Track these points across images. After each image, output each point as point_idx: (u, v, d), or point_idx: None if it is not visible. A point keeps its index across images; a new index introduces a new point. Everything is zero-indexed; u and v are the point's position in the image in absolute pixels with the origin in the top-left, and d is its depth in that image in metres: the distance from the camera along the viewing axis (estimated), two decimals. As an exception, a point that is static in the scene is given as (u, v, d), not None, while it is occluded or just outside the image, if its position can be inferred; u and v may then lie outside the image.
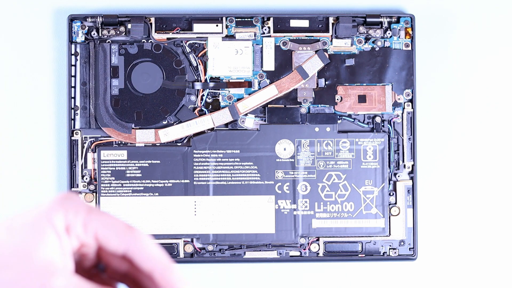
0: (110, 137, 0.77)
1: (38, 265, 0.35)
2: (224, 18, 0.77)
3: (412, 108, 0.77)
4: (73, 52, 0.77)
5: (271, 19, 0.77)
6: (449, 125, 0.79)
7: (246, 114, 0.77)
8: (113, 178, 0.76)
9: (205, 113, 0.77)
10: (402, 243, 0.77)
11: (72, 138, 0.76)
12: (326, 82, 0.78)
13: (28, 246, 0.35)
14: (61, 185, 0.78)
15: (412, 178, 0.77)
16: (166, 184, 0.76)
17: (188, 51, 0.77)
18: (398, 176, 0.78)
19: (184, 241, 0.77)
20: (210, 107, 0.77)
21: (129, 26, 0.76)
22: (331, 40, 0.78)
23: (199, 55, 0.77)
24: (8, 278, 0.35)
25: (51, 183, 0.78)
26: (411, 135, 0.77)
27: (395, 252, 0.77)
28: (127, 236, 0.39)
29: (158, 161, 0.76)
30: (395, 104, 0.78)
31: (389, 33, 0.78)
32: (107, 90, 0.76)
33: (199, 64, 0.77)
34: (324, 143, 0.77)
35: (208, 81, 0.77)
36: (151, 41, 0.76)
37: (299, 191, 0.77)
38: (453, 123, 0.79)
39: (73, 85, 0.76)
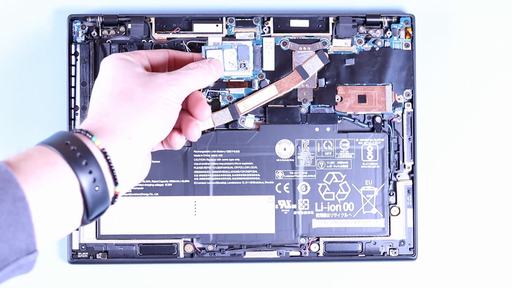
0: (110, 137, 0.77)
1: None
2: (224, 18, 0.77)
3: (412, 108, 0.77)
4: (73, 52, 0.77)
5: (271, 19, 0.77)
6: (449, 125, 0.79)
7: (246, 114, 0.77)
8: (113, 178, 0.76)
9: (205, 113, 0.77)
10: (402, 243, 0.77)
11: (72, 138, 0.76)
12: (326, 82, 0.78)
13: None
14: (61, 185, 0.78)
15: (412, 178, 0.77)
16: (166, 184, 0.76)
17: (188, 51, 0.77)
18: (398, 176, 0.78)
19: (184, 241, 0.77)
20: (210, 107, 0.77)
21: (129, 26, 0.76)
22: (331, 40, 0.78)
23: (199, 55, 0.77)
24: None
25: (51, 183, 0.78)
26: (411, 135, 0.77)
27: (395, 252, 0.77)
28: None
29: (158, 161, 0.76)
30: (395, 104, 0.78)
31: (389, 33, 0.78)
32: (107, 90, 0.76)
33: (199, 64, 0.77)
34: (324, 143, 0.77)
35: (208, 81, 0.77)
36: (151, 41, 0.76)
37: (299, 191, 0.77)
38: (453, 123, 0.79)
39: (73, 85, 0.76)
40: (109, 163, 0.53)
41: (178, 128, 0.65)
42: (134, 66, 0.59)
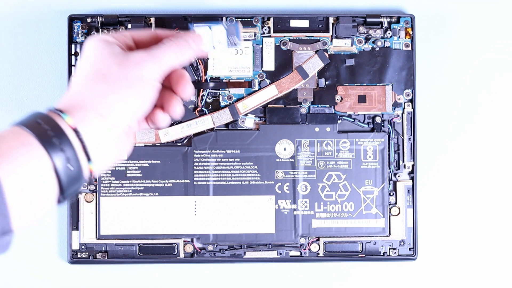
0: (110, 137, 0.77)
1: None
2: (224, 18, 0.77)
3: (412, 108, 0.77)
4: (73, 52, 0.77)
5: (271, 19, 0.77)
6: (449, 125, 0.79)
7: (246, 114, 0.77)
8: (113, 178, 0.76)
9: (205, 113, 0.77)
10: (402, 243, 0.77)
11: (72, 138, 0.76)
12: (326, 82, 0.78)
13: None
14: (61, 185, 0.78)
15: (412, 178, 0.77)
16: (166, 184, 0.76)
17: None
18: (398, 176, 0.78)
19: (184, 241, 0.77)
20: (210, 107, 0.77)
21: (129, 26, 0.76)
22: (331, 40, 0.78)
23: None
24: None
25: (51, 183, 0.78)
26: (411, 135, 0.77)
27: (395, 252, 0.77)
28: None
29: (158, 161, 0.76)
30: (395, 104, 0.78)
31: (389, 33, 0.78)
32: (107, 90, 0.76)
33: (199, 64, 0.77)
34: (324, 143, 0.77)
35: (208, 81, 0.77)
36: (151, 41, 0.76)
37: (299, 191, 0.77)
38: (453, 123, 0.79)
39: (73, 85, 0.76)
40: (81, 141, 0.53)
41: (161, 106, 0.65)
42: (113, 47, 0.59)
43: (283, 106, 0.77)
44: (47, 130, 0.52)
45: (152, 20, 0.77)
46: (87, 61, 0.58)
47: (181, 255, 0.77)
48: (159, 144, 0.77)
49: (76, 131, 0.53)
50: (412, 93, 0.77)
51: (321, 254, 0.77)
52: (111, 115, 0.55)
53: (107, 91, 0.56)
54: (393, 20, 0.78)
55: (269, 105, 0.77)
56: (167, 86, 0.63)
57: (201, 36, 0.63)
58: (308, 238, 0.77)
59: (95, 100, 0.55)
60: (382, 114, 0.78)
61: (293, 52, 0.78)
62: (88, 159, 0.54)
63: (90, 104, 0.55)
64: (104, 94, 0.56)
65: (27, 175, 0.50)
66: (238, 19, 0.77)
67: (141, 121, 0.62)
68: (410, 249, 0.77)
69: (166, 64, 0.60)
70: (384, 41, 0.78)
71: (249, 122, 0.77)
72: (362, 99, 0.77)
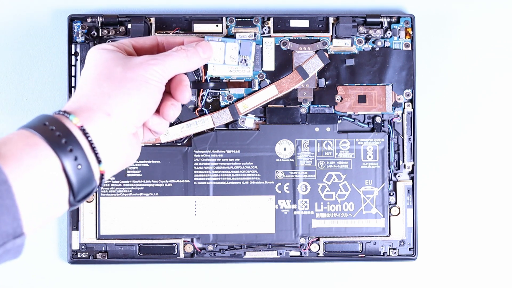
0: (110, 137, 0.77)
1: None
2: (224, 18, 0.77)
3: (412, 108, 0.77)
4: (73, 52, 0.77)
5: (271, 19, 0.77)
6: (449, 125, 0.79)
7: (246, 114, 0.77)
8: (113, 178, 0.76)
9: (205, 113, 0.77)
10: (402, 243, 0.77)
11: (72, 138, 0.76)
12: (326, 82, 0.78)
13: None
14: (61, 185, 0.78)
15: (412, 178, 0.77)
16: (166, 184, 0.76)
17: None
18: (398, 176, 0.78)
19: (184, 241, 0.77)
20: (210, 107, 0.77)
21: (129, 26, 0.76)
22: (331, 40, 0.78)
23: (199, 55, 0.77)
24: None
25: (51, 183, 0.78)
26: (411, 135, 0.77)
27: (395, 252, 0.77)
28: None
29: (158, 161, 0.76)
30: (395, 104, 0.78)
31: (389, 33, 0.78)
32: (107, 90, 0.76)
33: (199, 64, 0.77)
34: (324, 143, 0.77)
35: (208, 81, 0.77)
36: (151, 41, 0.76)
37: (299, 191, 0.77)
38: (453, 123, 0.79)
39: (73, 85, 0.76)
40: (88, 140, 0.53)
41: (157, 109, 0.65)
42: (115, 53, 0.59)
43: (283, 106, 0.77)
44: (54, 131, 0.52)
45: (152, 20, 0.77)
46: (90, 66, 0.58)
47: (181, 255, 0.77)
48: (159, 144, 0.77)
49: (83, 130, 0.53)
50: (412, 93, 0.77)
51: (321, 254, 0.77)
52: (117, 115, 0.55)
53: (112, 91, 0.56)
54: (393, 20, 0.78)
55: (269, 105, 0.77)
56: (167, 91, 0.63)
57: (212, 48, 0.64)
58: (308, 238, 0.77)
59: (100, 100, 0.55)
60: (382, 114, 0.78)
61: (293, 52, 0.78)
62: (97, 159, 0.54)
63: (96, 104, 0.55)
64: (109, 93, 0.56)
65: (37, 177, 0.50)
66: (238, 18, 0.77)
67: (144, 127, 0.62)
68: (410, 249, 0.77)
69: (172, 68, 0.60)
70: (384, 41, 0.78)
71: (249, 122, 0.77)
72: (362, 99, 0.77)
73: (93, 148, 0.53)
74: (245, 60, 0.68)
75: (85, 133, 0.53)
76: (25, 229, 0.49)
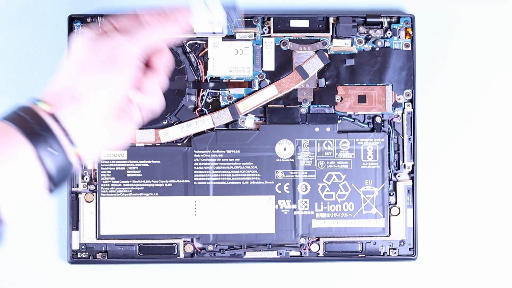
0: (110, 137, 0.77)
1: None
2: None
3: (412, 108, 0.77)
4: (73, 52, 0.77)
5: (271, 19, 0.77)
6: (449, 125, 0.79)
7: (246, 114, 0.77)
8: (113, 178, 0.76)
9: (205, 113, 0.77)
10: (402, 243, 0.77)
11: (72, 138, 0.76)
12: (326, 82, 0.78)
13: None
14: (61, 185, 0.78)
15: (412, 178, 0.77)
16: (166, 184, 0.76)
17: (188, 51, 0.77)
18: (398, 176, 0.78)
19: (184, 241, 0.77)
20: (210, 107, 0.77)
21: (129, 26, 0.76)
22: (331, 40, 0.78)
23: (199, 55, 0.77)
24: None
25: (51, 183, 0.78)
26: (411, 135, 0.77)
27: (395, 252, 0.77)
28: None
29: (158, 161, 0.76)
30: (395, 104, 0.78)
31: (389, 33, 0.78)
32: (107, 90, 0.76)
33: (199, 64, 0.77)
34: (324, 143, 0.77)
35: (208, 81, 0.77)
36: (151, 41, 0.76)
37: (299, 191, 0.77)
38: (453, 123, 0.79)
39: (73, 85, 0.76)
40: (60, 125, 0.53)
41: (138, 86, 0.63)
42: (92, 38, 0.58)
43: (283, 106, 0.77)
44: (27, 120, 0.53)
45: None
46: (69, 58, 0.58)
47: (181, 255, 0.77)
48: (159, 144, 0.77)
49: (53, 116, 0.53)
50: (412, 93, 0.77)
51: (321, 254, 0.77)
52: (86, 98, 0.55)
53: (77, 73, 0.56)
54: (393, 20, 0.78)
55: (269, 105, 0.77)
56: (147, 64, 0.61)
57: (191, 10, 0.60)
58: (308, 238, 0.77)
59: (69, 86, 0.55)
60: (382, 114, 0.78)
61: (293, 52, 0.77)
62: (71, 143, 0.54)
63: (65, 90, 0.55)
64: (77, 79, 0.56)
65: (13, 166, 0.51)
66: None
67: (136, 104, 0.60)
68: (410, 249, 0.77)
69: (146, 43, 0.58)
70: (384, 41, 0.78)
71: (249, 122, 0.77)
72: (362, 99, 0.77)
73: (65, 133, 0.54)
74: (232, 20, 0.62)
75: (56, 120, 0.53)
76: (4, 216, 0.50)
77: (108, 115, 0.56)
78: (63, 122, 0.54)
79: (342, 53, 0.78)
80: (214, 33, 0.60)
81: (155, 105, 0.61)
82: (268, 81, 0.77)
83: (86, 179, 0.77)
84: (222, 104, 0.77)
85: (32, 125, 0.53)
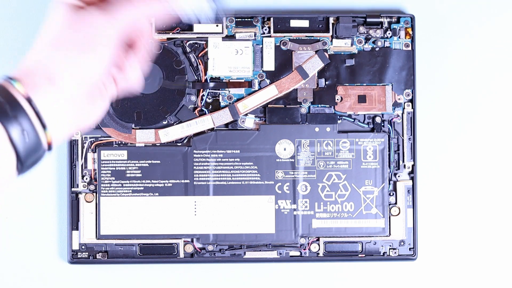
0: (110, 137, 0.77)
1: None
2: (224, 18, 0.77)
3: (412, 108, 0.77)
4: (73, 52, 0.77)
5: (271, 19, 0.77)
6: (449, 125, 0.79)
7: (246, 114, 0.77)
8: (113, 178, 0.76)
9: (205, 113, 0.77)
10: (402, 243, 0.77)
11: (72, 138, 0.76)
12: (326, 82, 0.78)
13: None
14: (61, 185, 0.78)
15: (412, 178, 0.77)
16: (166, 184, 0.76)
17: (188, 51, 0.77)
18: (398, 176, 0.78)
19: (184, 241, 0.77)
20: (210, 107, 0.77)
21: (129, 26, 0.76)
22: (331, 40, 0.78)
23: (199, 55, 0.77)
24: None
25: (51, 183, 0.78)
26: (411, 135, 0.77)
27: (395, 252, 0.77)
28: None
29: (158, 161, 0.76)
30: (395, 104, 0.78)
31: (389, 33, 0.78)
32: (107, 90, 0.76)
33: (199, 64, 0.77)
34: (324, 143, 0.77)
35: (208, 81, 0.77)
36: (151, 41, 0.76)
37: (299, 191, 0.77)
38: (453, 123, 0.79)
39: (73, 85, 0.76)
40: (34, 108, 0.53)
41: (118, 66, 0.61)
42: (71, 8, 0.57)
43: (283, 106, 0.77)
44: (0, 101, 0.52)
45: (152, 20, 0.77)
46: (45, 31, 0.57)
47: (181, 255, 0.77)
48: (159, 144, 0.77)
49: (28, 99, 0.53)
50: (412, 93, 0.77)
51: (321, 254, 0.77)
52: (60, 80, 0.54)
53: (58, 56, 0.55)
54: (393, 20, 0.78)
55: (269, 105, 0.77)
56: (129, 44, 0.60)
57: None
58: (308, 238, 0.77)
59: (44, 65, 0.54)
60: (382, 114, 0.78)
61: (293, 52, 0.78)
62: (43, 125, 0.53)
63: (40, 69, 0.54)
64: (53, 58, 0.55)
65: None
66: (238, 18, 0.77)
67: (109, 83, 0.59)
68: (410, 249, 0.77)
69: (126, 23, 0.57)
70: (384, 41, 0.78)
71: (249, 122, 0.77)
72: (362, 99, 0.77)
73: (39, 116, 0.53)
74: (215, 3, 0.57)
75: (29, 100, 0.53)
76: None
77: (80, 97, 0.55)
78: (36, 105, 0.53)
79: (342, 53, 0.78)
80: (198, 19, 0.56)
81: (133, 84, 0.58)
82: (268, 81, 0.77)
83: (86, 179, 0.77)
84: (222, 104, 0.77)
85: (4, 105, 0.52)
